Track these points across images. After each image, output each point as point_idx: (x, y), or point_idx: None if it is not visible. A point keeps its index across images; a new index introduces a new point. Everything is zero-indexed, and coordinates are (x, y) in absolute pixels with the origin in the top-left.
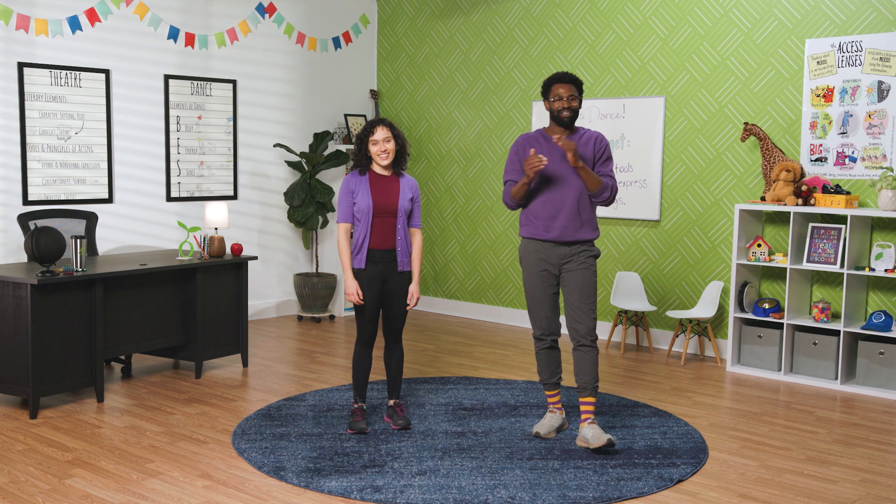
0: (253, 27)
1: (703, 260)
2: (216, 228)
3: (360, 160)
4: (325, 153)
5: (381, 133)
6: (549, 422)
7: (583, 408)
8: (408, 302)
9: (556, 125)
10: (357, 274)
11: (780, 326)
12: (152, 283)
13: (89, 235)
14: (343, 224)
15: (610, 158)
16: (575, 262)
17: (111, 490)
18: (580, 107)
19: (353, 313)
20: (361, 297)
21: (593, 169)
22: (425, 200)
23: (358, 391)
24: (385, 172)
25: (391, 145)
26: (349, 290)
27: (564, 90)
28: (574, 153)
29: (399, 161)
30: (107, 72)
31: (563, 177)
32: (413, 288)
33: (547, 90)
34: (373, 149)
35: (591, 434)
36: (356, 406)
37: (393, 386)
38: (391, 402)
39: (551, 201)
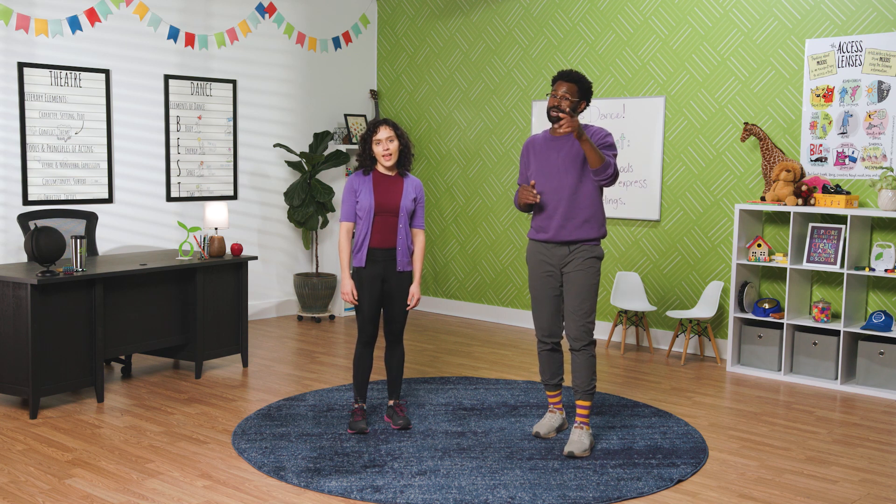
0: (253, 27)
1: (703, 260)
2: (216, 228)
3: (365, 161)
4: (325, 153)
5: (383, 132)
6: (548, 422)
7: (577, 410)
8: (408, 302)
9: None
10: (357, 273)
11: (780, 326)
12: (152, 283)
13: (89, 235)
14: (345, 223)
15: (610, 147)
16: (574, 263)
17: (111, 490)
18: (576, 108)
19: (353, 313)
20: (356, 298)
21: None
22: (425, 201)
23: (358, 391)
24: (389, 172)
25: (394, 145)
26: (344, 290)
27: (560, 88)
28: (577, 129)
29: (403, 161)
30: (107, 72)
31: (559, 177)
32: (414, 288)
33: (552, 85)
34: (376, 149)
35: (574, 436)
36: (356, 406)
37: (393, 387)
38: (391, 403)
39: (548, 202)
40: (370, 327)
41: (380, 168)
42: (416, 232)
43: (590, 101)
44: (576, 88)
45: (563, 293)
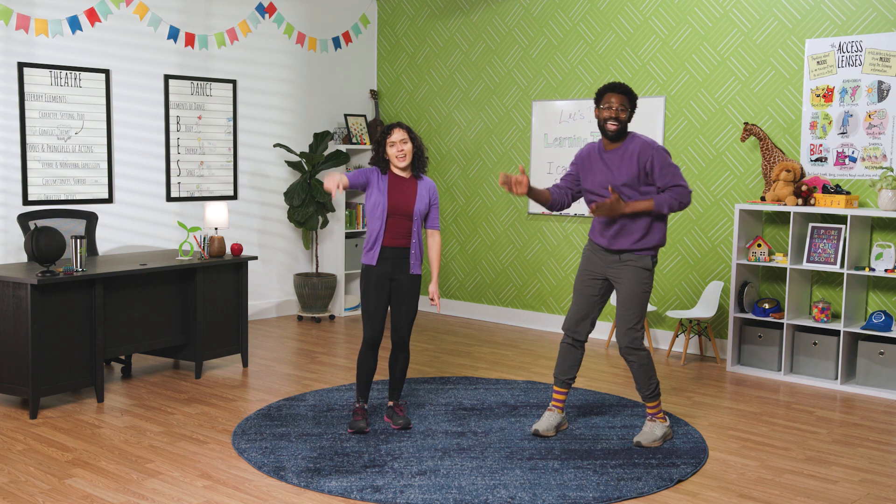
0: (253, 27)
1: (703, 260)
2: (216, 228)
3: (378, 163)
4: (325, 153)
5: (398, 135)
6: (548, 420)
7: (646, 408)
8: (431, 300)
9: (603, 136)
10: (366, 270)
11: (780, 326)
12: (152, 283)
13: (89, 235)
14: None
15: (666, 167)
16: (622, 271)
17: (111, 490)
18: (630, 119)
19: (353, 313)
20: (340, 185)
21: (650, 184)
22: None
23: (360, 392)
24: (404, 175)
25: (408, 146)
26: (332, 179)
27: (616, 100)
28: (607, 209)
29: (417, 164)
30: (107, 72)
31: (619, 191)
32: (433, 288)
33: (599, 98)
34: (390, 151)
35: (645, 428)
36: (357, 406)
37: (394, 388)
38: (390, 403)
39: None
40: (375, 327)
41: (394, 170)
42: (432, 233)
43: (634, 111)
44: (627, 99)
45: (602, 298)
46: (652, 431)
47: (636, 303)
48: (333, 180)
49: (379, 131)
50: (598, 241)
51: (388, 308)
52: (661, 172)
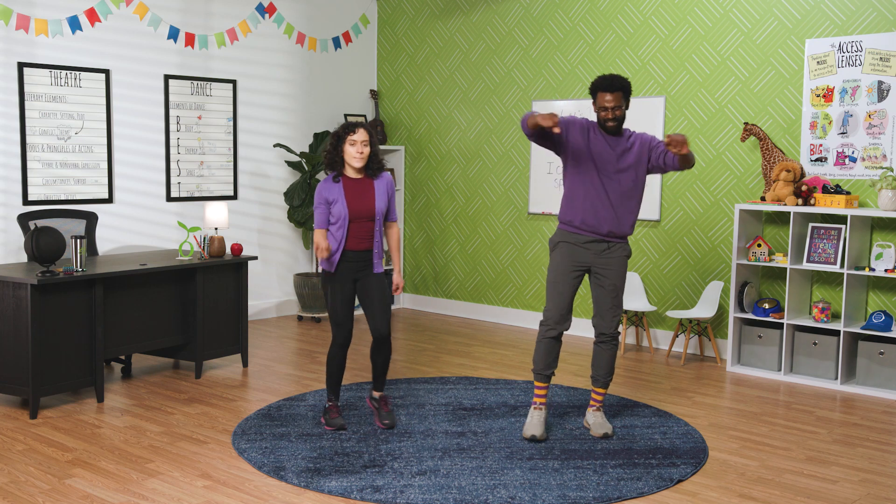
0: (253, 27)
1: (703, 260)
2: (216, 228)
3: (334, 159)
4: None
5: (361, 134)
6: (539, 421)
7: (594, 396)
8: (393, 291)
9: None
10: (328, 277)
11: (780, 326)
12: (152, 283)
13: (89, 235)
14: (318, 230)
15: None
16: (611, 260)
17: (111, 490)
18: (626, 111)
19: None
20: (328, 248)
21: (655, 157)
22: (425, 200)
23: (332, 390)
24: (357, 175)
25: (367, 150)
26: (318, 244)
27: (610, 100)
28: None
29: (371, 165)
30: (107, 72)
31: (620, 176)
32: (396, 278)
33: (593, 94)
34: (350, 149)
35: (593, 420)
36: (330, 404)
37: (378, 378)
38: (377, 395)
39: (605, 199)
40: (344, 328)
41: (348, 172)
42: (390, 225)
43: (628, 105)
44: (621, 95)
45: (581, 285)
46: (606, 420)
47: (622, 290)
48: (319, 248)
49: (340, 127)
50: (592, 231)
51: (360, 308)
52: (657, 144)
